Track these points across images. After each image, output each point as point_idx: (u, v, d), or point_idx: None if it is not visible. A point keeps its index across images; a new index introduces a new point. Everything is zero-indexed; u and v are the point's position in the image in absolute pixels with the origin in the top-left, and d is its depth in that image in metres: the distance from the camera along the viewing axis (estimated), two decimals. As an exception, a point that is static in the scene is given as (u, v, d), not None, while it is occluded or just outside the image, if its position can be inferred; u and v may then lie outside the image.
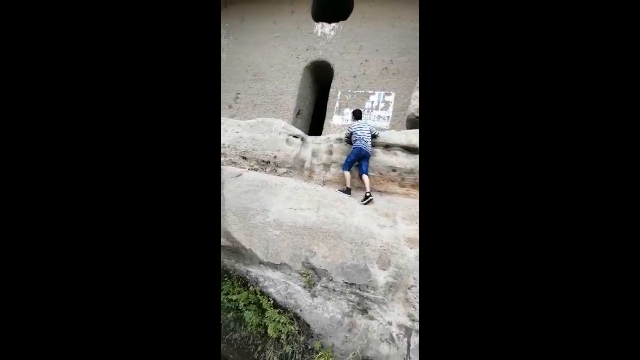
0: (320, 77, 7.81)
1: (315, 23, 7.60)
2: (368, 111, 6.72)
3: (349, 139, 4.56)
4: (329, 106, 7.06)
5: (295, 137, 4.87)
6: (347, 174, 4.37)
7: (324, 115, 7.12)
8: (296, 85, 7.38)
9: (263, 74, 7.71)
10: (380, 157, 4.48)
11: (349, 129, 4.55)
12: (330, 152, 4.74)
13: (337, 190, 4.36)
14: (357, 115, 4.82)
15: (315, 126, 7.88)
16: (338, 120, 6.87)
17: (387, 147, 4.53)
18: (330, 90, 7.12)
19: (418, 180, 4.28)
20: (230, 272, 4.16)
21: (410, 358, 3.07)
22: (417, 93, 4.81)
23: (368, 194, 4.20)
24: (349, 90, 6.95)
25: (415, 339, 3.16)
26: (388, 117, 6.56)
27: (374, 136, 4.57)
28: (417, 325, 3.25)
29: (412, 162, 4.34)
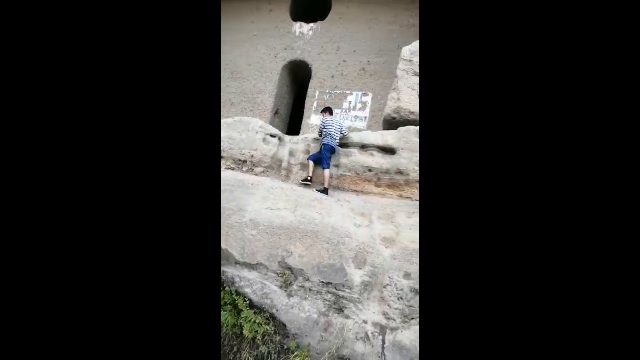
0: (298, 76, 7.81)
1: (294, 22, 7.59)
2: (346, 111, 6.77)
3: (320, 133, 4.67)
4: (306, 106, 7.06)
5: (273, 136, 4.84)
6: (327, 172, 4.40)
7: (302, 114, 7.12)
8: (274, 84, 7.35)
9: (241, 72, 7.63)
10: (357, 157, 4.52)
11: (322, 123, 4.67)
12: (308, 152, 4.74)
13: (314, 190, 4.37)
14: (329, 111, 5.03)
15: (293, 126, 7.87)
16: (316, 120, 6.88)
17: (364, 147, 4.58)
18: (308, 90, 7.13)
19: (393, 180, 4.35)
20: (206, 273, 4.09)
21: (384, 355, 3.12)
22: (393, 94, 4.88)
23: (326, 190, 4.43)
24: (327, 90, 6.98)
25: (390, 337, 3.21)
26: (365, 117, 6.63)
27: (343, 135, 4.69)
28: (392, 323, 3.30)
29: (388, 162, 4.40)
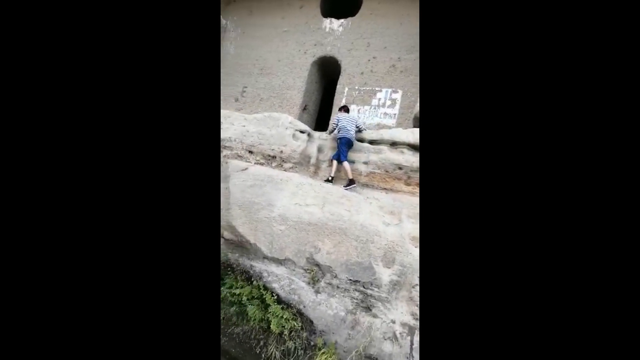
0: (327, 72, 7.77)
1: (324, 19, 7.54)
2: (375, 108, 6.68)
3: (334, 129, 4.77)
4: (335, 102, 7.01)
5: (302, 132, 4.85)
6: (347, 164, 4.43)
7: (331, 110, 7.08)
8: (303, 80, 7.34)
9: (270, 68, 7.67)
10: (387, 155, 4.45)
11: (336, 119, 4.75)
12: (336, 148, 4.71)
13: (342, 187, 4.35)
14: (345, 109, 5.17)
15: (321, 122, 7.85)
16: (344, 116, 6.84)
17: (394, 144, 4.51)
18: (337, 86, 7.07)
19: (424, 179, 4.26)
20: (234, 266, 4.16)
21: (413, 357, 3.07)
22: (425, 91, 4.78)
23: (352, 180, 4.46)
24: (356, 87, 6.90)
25: (418, 339, 3.15)
26: (395, 114, 6.51)
27: (359, 130, 4.74)
28: (420, 325, 3.24)
29: (419, 160, 4.31)
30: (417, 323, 3.25)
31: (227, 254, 4.29)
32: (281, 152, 4.70)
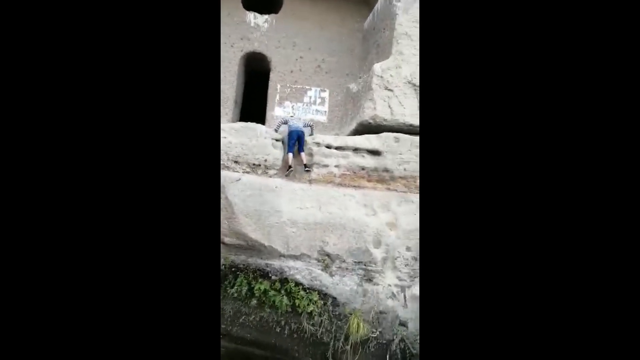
0: (255, 67, 8.11)
1: (247, 12, 7.74)
2: (307, 105, 7.60)
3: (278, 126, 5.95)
4: (269, 98, 7.59)
5: (277, 140, 5.53)
6: (289, 155, 5.46)
7: (265, 105, 7.60)
8: (233, 74, 7.55)
9: (195, 60, 7.52)
10: (352, 159, 5.63)
11: (284, 119, 6.04)
12: (311, 155, 5.61)
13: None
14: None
15: (249, 116, 8.23)
16: (279, 112, 7.51)
17: (356, 150, 5.69)
18: (270, 82, 7.61)
19: (381, 177, 5.65)
20: (241, 266, 4.84)
21: (407, 304, 4.62)
22: (370, 104, 5.95)
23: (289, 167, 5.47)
24: (288, 85, 7.62)
25: (408, 292, 4.71)
26: (325, 111, 7.61)
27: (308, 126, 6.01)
28: (405, 283, 4.79)
29: (375, 161, 5.64)
30: (404, 282, 4.80)
31: (228, 257, 4.87)
32: (265, 160, 5.32)
